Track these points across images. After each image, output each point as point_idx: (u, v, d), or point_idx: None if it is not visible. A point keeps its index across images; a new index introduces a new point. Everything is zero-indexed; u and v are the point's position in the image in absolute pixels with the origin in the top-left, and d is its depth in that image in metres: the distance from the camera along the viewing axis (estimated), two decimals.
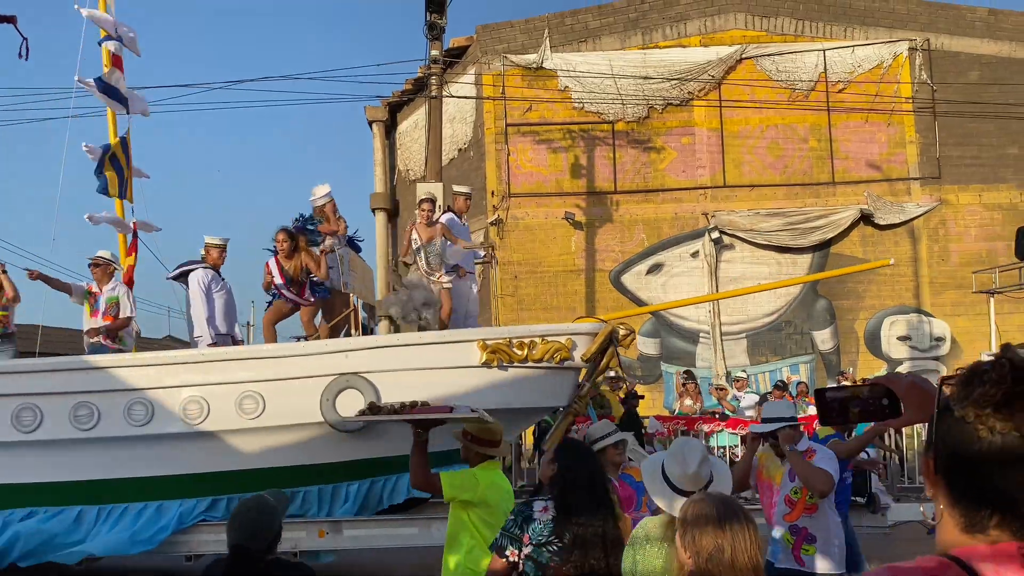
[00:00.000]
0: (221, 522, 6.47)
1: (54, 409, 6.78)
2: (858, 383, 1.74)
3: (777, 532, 4.33)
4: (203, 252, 8.09)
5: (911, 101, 14.67)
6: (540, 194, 14.48)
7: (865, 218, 14.48)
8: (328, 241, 8.15)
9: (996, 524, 1.20)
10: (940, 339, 14.45)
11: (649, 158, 14.61)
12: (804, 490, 4.29)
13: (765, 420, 4.57)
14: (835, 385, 1.95)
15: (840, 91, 14.61)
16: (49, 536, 6.66)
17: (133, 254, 8.63)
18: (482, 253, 9.50)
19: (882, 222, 14.45)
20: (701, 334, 14.25)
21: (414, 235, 8.05)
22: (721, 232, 14.22)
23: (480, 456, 3.77)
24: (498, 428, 3.88)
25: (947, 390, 1.26)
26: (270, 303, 8.06)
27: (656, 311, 14.14)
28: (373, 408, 5.08)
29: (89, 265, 7.92)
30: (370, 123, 18.10)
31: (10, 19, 7.55)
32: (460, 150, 15.52)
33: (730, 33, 14.73)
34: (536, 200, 14.43)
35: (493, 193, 14.51)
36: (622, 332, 6.78)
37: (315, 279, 7.84)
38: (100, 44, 8.43)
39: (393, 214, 17.98)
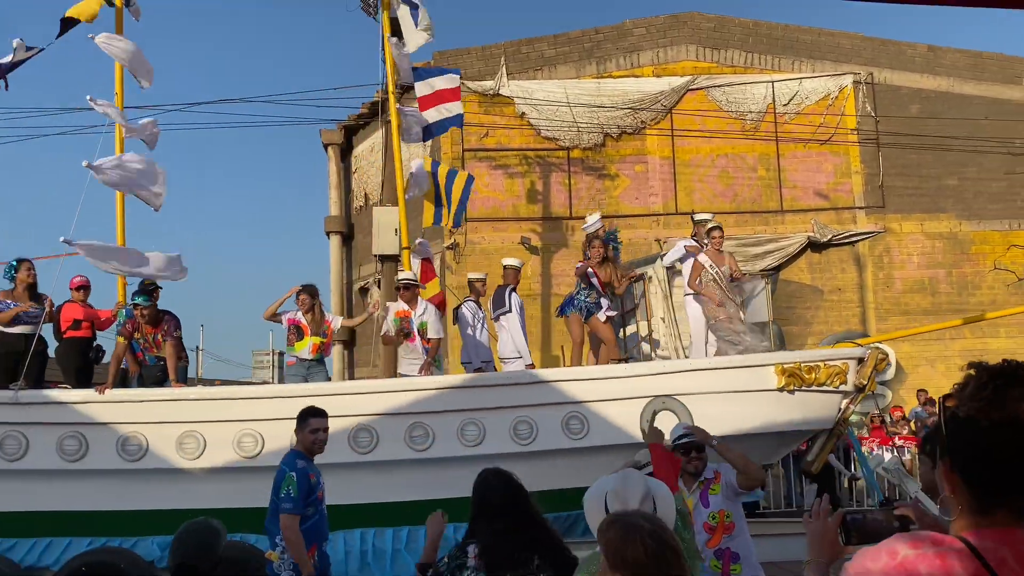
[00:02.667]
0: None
1: (390, 430, 6.98)
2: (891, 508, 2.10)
3: (705, 562, 4.23)
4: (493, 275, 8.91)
5: (856, 132, 15.15)
6: (497, 219, 14.55)
7: (812, 245, 14.84)
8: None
9: (1005, 505, 1.48)
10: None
11: (603, 185, 14.81)
12: (721, 513, 4.30)
13: (676, 441, 4.50)
14: (858, 511, 2.06)
15: (788, 122, 15.01)
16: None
17: (435, 277, 9.32)
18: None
19: (823, 240, 14.78)
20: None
21: (705, 260, 8.27)
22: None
23: None
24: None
25: (950, 403, 1.55)
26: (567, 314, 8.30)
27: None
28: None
29: (397, 288, 8.08)
30: (325, 146, 18.03)
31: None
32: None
33: (681, 64, 15.07)
34: (493, 225, 14.50)
35: None
36: (879, 357, 7.41)
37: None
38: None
39: (347, 237, 17.87)
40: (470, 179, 9.80)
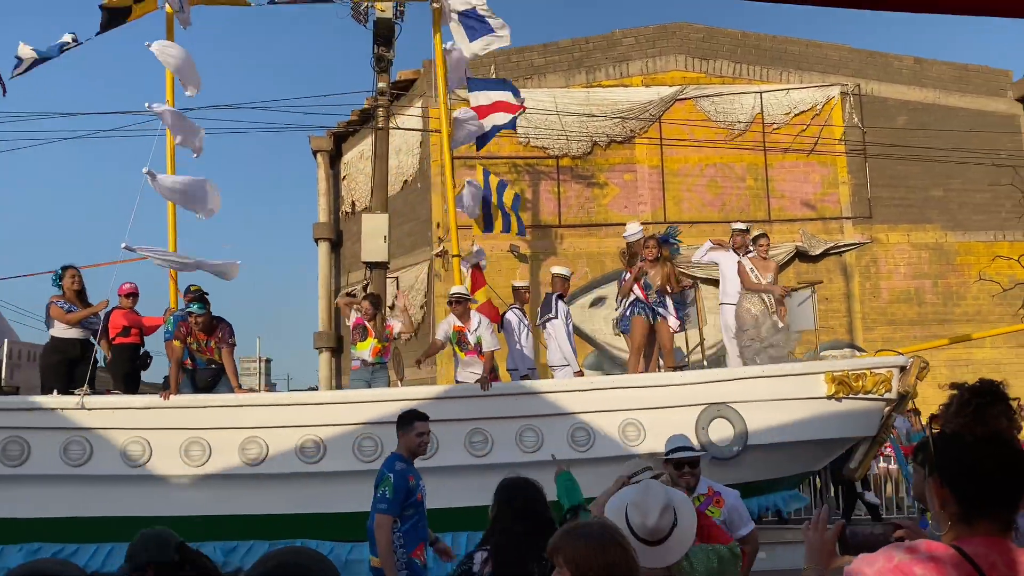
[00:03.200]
0: None
1: (450, 436, 7.11)
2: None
3: None
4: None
5: (843, 143, 15.26)
6: None
7: (800, 255, 14.92)
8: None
9: (991, 515, 1.57)
10: None
11: (592, 193, 14.85)
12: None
13: (669, 453, 4.31)
14: (858, 528, 2.06)
15: (775, 132, 15.11)
16: None
17: (484, 285, 9.60)
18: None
19: (813, 253, 14.90)
20: None
21: (747, 265, 8.55)
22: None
23: None
24: None
25: (936, 424, 1.67)
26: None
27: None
28: None
29: (450, 303, 8.17)
30: (315, 153, 18.01)
31: None
32: (406, 182, 15.55)
33: (670, 74, 15.14)
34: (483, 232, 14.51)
35: (438, 225, 14.53)
36: (920, 365, 7.64)
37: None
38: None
39: (336, 244, 17.85)
40: (516, 197, 10.20)
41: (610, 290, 14.53)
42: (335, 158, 17.94)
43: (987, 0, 1.55)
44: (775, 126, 15.11)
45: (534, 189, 14.79)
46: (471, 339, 8.00)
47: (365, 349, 8.15)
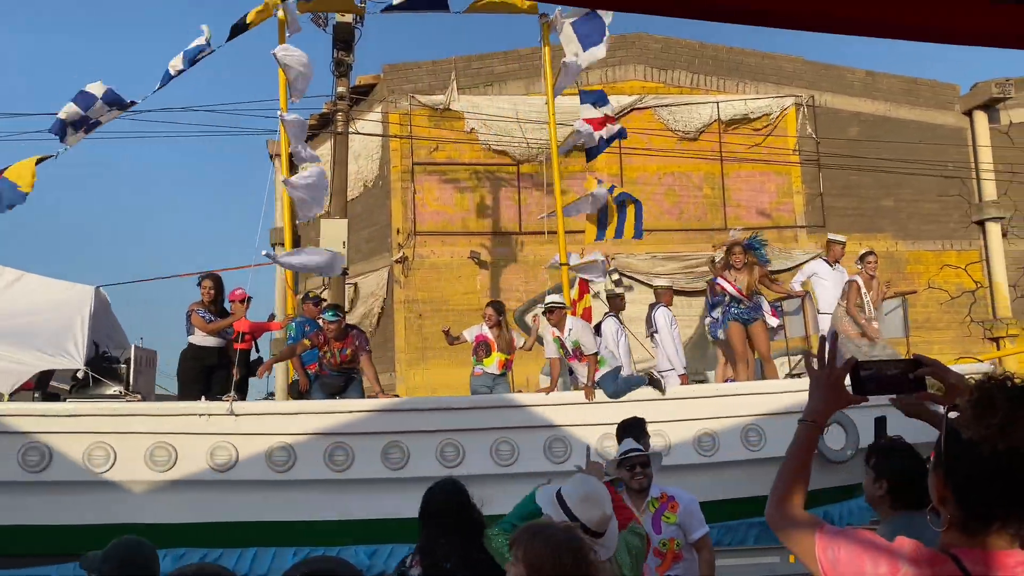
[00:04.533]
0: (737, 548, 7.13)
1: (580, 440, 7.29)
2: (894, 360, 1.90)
3: None
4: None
5: (797, 153, 15.55)
6: (446, 233, 14.52)
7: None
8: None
9: (996, 530, 1.47)
10: None
11: (553, 200, 14.88)
12: (672, 541, 4.24)
13: (622, 455, 4.41)
14: (867, 360, 2.01)
15: (732, 135, 15.33)
16: None
17: (588, 293, 10.05)
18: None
19: (771, 268, 15.13)
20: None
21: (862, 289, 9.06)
22: (620, 274, 14.58)
23: None
24: None
25: (953, 415, 1.51)
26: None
27: None
28: None
29: (545, 312, 8.35)
30: (272, 157, 17.78)
31: None
32: (365, 187, 15.44)
33: (629, 83, 15.29)
34: (442, 239, 14.46)
35: (398, 231, 14.46)
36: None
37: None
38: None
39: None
40: (639, 205, 10.47)
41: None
42: (293, 163, 17.72)
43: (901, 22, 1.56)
44: (731, 136, 15.33)
45: (494, 196, 14.80)
46: (568, 344, 8.12)
47: (492, 364, 8.51)
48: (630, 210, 10.26)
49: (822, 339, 1.90)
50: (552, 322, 8.20)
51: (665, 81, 15.41)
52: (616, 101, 14.91)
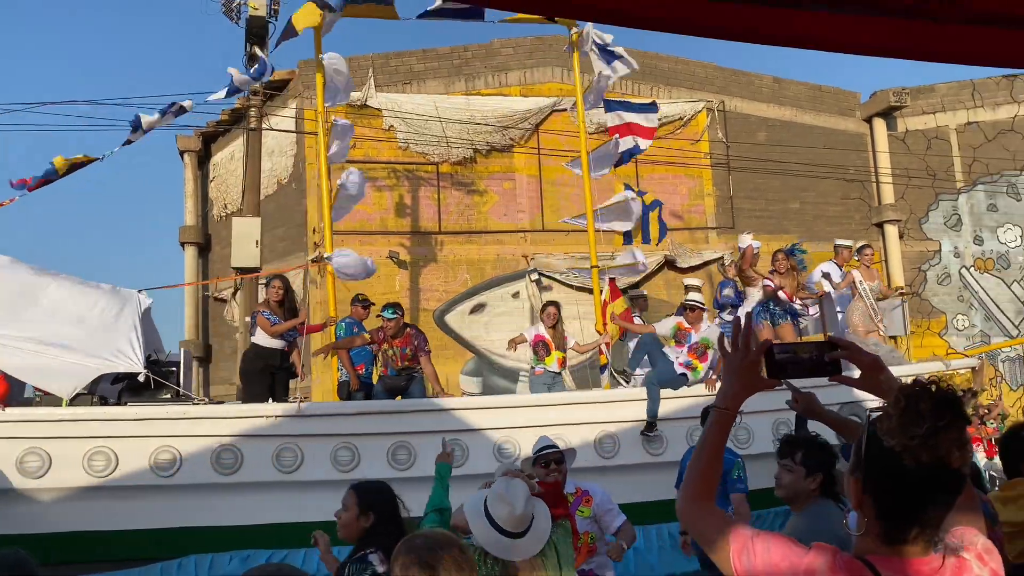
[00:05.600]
0: None
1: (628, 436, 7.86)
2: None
3: None
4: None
5: (709, 157, 16.00)
6: (364, 232, 14.35)
7: (669, 263, 15.51)
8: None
9: (913, 538, 1.43)
10: None
11: (472, 200, 14.92)
12: (586, 535, 4.37)
13: (537, 452, 4.55)
14: (787, 343, 2.02)
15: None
16: None
17: (621, 296, 10.42)
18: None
19: (683, 265, 15.55)
20: (521, 372, 14.58)
21: (857, 276, 9.94)
22: (540, 274, 14.72)
23: None
24: None
25: (875, 417, 1.46)
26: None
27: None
28: None
29: (687, 310, 8.58)
30: (181, 153, 17.22)
31: None
32: (280, 184, 15.12)
33: (547, 85, 15.43)
34: (360, 238, 14.27)
35: (314, 230, 14.21)
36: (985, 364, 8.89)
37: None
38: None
39: (204, 248, 17.10)
40: (660, 207, 11.09)
41: (489, 297, 14.64)
42: (204, 159, 17.21)
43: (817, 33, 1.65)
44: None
45: (413, 195, 14.71)
46: (697, 340, 8.49)
47: (552, 363, 8.97)
48: (652, 215, 10.75)
49: (736, 321, 1.82)
50: (690, 320, 8.59)
51: (582, 83, 15.61)
52: (535, 103, 15.06)
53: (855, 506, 1.50)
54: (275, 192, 15.07)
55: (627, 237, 11.15)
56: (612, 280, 10.50)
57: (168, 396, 7.52)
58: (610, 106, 10.81)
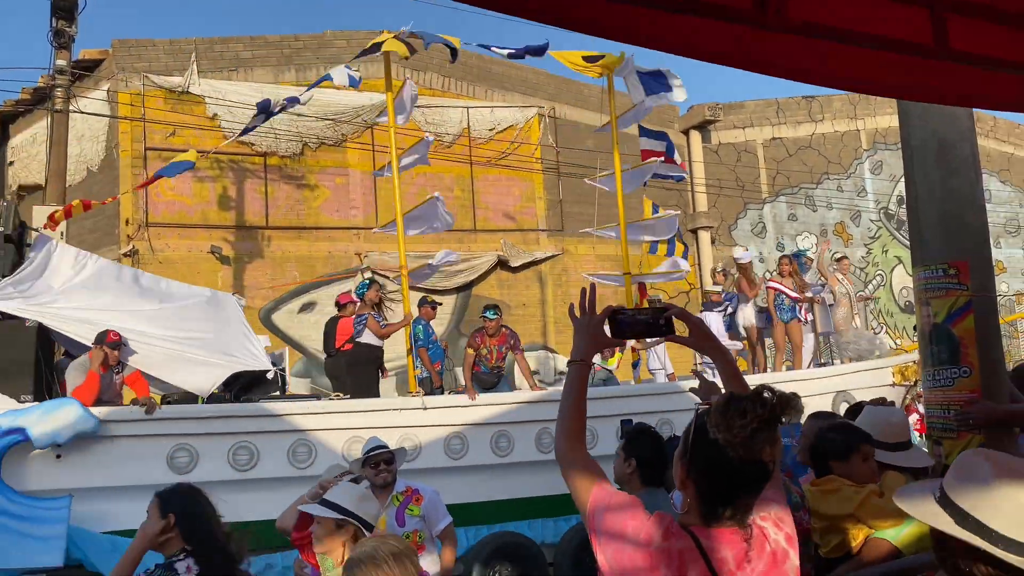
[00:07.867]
0: None
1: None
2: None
3: None
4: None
5: (540, 161, 16.44)
6: (183, 225, 13.56)
7: (502, 263, 15.79)
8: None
9: (727, 517, 1.68)
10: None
11: (303, 195, 14.47)
12: (415, 533, 4.42)
13: (367, 453, 4.59)
14: (626, 308, 2.22)
15: (480, 146, 15.86)
16: None
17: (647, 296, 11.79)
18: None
19: (514, 264, 15.89)
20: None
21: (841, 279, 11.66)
22: (374, 272, 14.52)
23: None
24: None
25: (704, 410, 1.68)
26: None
27: None
28: None
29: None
30: None
31: None
32: (89, 171, 13.99)
33: (382, 81, 15.25)
34: (179, 231, 13.48)
35: (128, 222, 13.26)
36: None
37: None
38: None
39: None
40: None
41: (319, 295, 14.23)
42: (1, 141, 15.62)
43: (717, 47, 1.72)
44: (480, 140, 15.85)
45: (238, 187, 14.07)
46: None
47: (614, 363, 10.24)
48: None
49: (583, 290, 2.12)
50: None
51: (418, 81, 15.56)
52: (369, 98, 14.84)
53: (679, 487, 1.73)
54: (84, 179, 13.93)
55: (658, 247, 12.72)
56: (642, 285, 11.66)
57: (277, 393, 7.99)
58: (643, 132, 12.34)
